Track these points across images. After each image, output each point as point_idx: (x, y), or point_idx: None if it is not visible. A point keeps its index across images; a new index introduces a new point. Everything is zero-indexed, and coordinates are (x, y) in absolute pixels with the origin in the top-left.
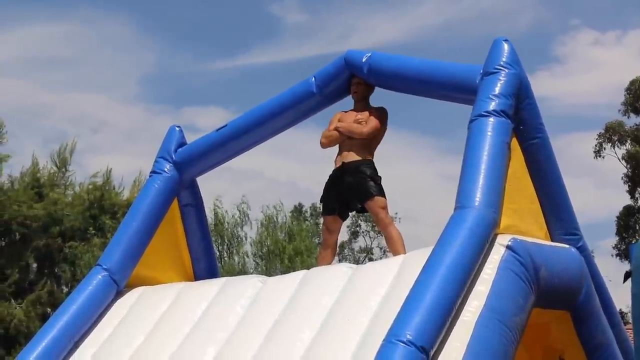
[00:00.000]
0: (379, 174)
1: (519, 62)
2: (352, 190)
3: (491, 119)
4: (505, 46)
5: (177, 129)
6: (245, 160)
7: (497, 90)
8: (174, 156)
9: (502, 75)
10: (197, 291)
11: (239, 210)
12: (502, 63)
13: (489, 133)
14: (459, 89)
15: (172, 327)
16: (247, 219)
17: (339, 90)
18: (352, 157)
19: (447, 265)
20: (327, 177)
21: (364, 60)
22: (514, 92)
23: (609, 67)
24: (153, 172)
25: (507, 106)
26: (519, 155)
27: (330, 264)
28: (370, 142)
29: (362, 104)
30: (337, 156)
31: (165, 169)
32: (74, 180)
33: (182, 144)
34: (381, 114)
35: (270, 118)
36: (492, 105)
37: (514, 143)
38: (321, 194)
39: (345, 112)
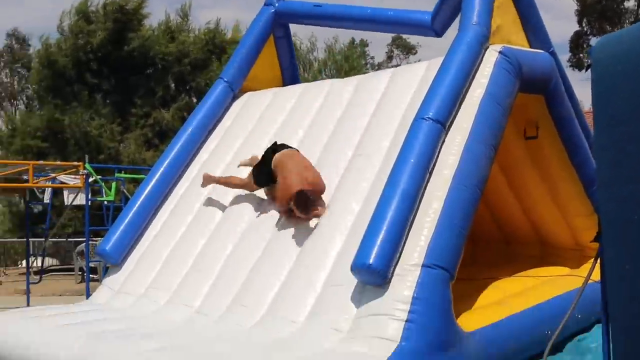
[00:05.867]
0: None
1: None
2: None
3: None
4: None
5: None
6: None
7: None
8: (276, 4)
9: None
10: (287, 91)
11: (310, 42)
12: None
13: None
14: None
15: (269, 122)
16: (315, 47)
17: None
18: None
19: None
20: None
21: None
22: None
23: None
24: (265, 4)
25: None
26: None
27: None
28: None
29: None
30: None
31: (270, 10)
32: (194, 26)
33: None
34: None
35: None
36: None
37: None
38: None
39: None
